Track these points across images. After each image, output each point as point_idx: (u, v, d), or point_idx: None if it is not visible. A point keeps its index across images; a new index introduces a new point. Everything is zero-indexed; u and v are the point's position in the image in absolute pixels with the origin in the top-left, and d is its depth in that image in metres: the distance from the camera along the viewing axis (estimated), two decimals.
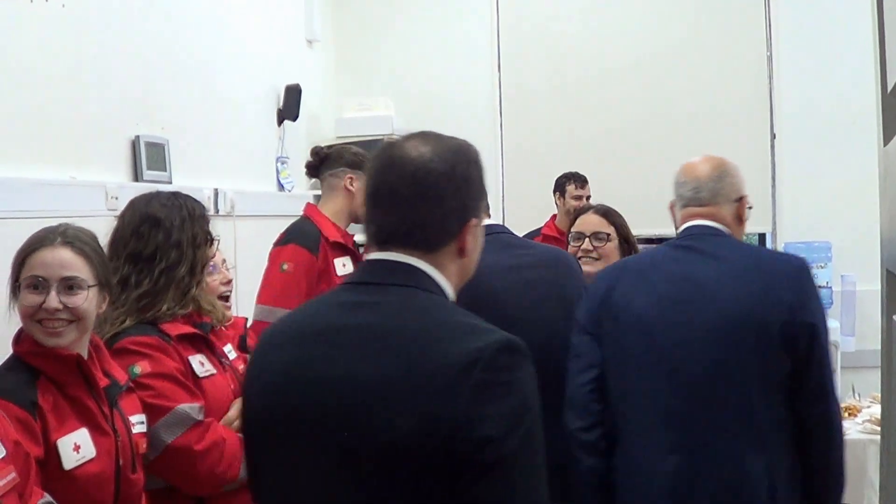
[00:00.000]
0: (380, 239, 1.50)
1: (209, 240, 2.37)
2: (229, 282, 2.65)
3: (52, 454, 1.86)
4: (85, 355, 1.98)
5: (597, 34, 5.89)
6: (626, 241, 3.09)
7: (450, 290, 1.52)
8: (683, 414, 2.18)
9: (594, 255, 3.04)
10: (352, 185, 3.61)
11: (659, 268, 2.33)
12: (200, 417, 2.18)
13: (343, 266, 3.60)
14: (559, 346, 2.34)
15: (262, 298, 3.18)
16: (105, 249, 2.15)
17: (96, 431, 1.94)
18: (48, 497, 1.75)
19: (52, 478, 1.84)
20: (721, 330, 2.18)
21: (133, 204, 2.36)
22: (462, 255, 1.53)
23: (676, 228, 2.44)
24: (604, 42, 5.86)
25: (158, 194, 2.40)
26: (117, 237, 2.29)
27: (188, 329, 2.29)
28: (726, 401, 2.16)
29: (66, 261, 1.94)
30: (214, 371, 2.31)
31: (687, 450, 2.17)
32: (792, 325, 2.16)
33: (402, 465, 1.31)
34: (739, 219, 2.41)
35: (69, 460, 1.87)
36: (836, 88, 5.36)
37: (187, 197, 2.41)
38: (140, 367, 2.15)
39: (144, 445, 2.08)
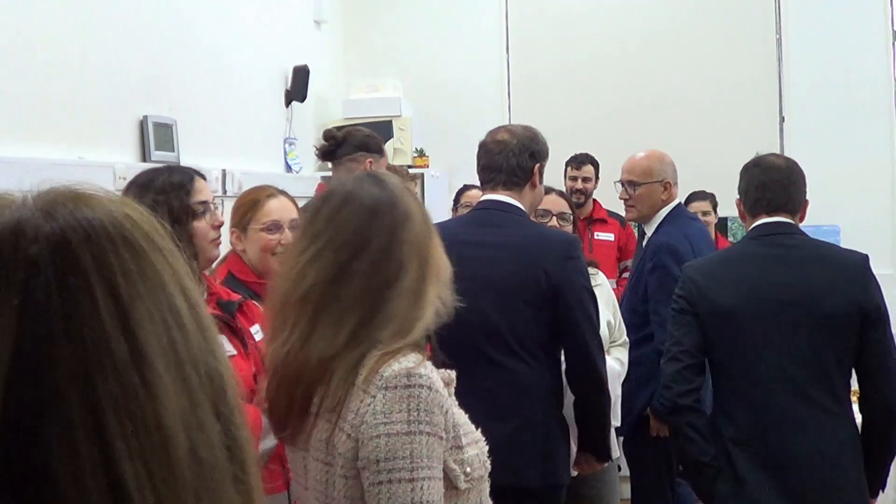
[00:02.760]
0: (770, 208, 2.67)
1: (192, 213, 2.26)
2: (220, 225, 2.45)
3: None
4: None
5: (605, 16, 5.86)
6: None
7: None
8: None
9: None
10: (371, 168, 3.58)
11: None
12: None
13: None
14: (469, 320, 2.52)
15: None
16: None
17: None
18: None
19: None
20: None
21: None
22: (801, 220, 2.73)
23: None
24: (612, 24, 5.83)
25: (161, 169, 2.35)
26: None
27: (210, 310, 2.24)
28: None
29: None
30: (235, 352, 2.27)
31: None
32: None
33: (836, 325, 2.53)
34: None
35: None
36: (846, 71, 5.32)
37: (174, 170, 2.34)
38: None
39: None
